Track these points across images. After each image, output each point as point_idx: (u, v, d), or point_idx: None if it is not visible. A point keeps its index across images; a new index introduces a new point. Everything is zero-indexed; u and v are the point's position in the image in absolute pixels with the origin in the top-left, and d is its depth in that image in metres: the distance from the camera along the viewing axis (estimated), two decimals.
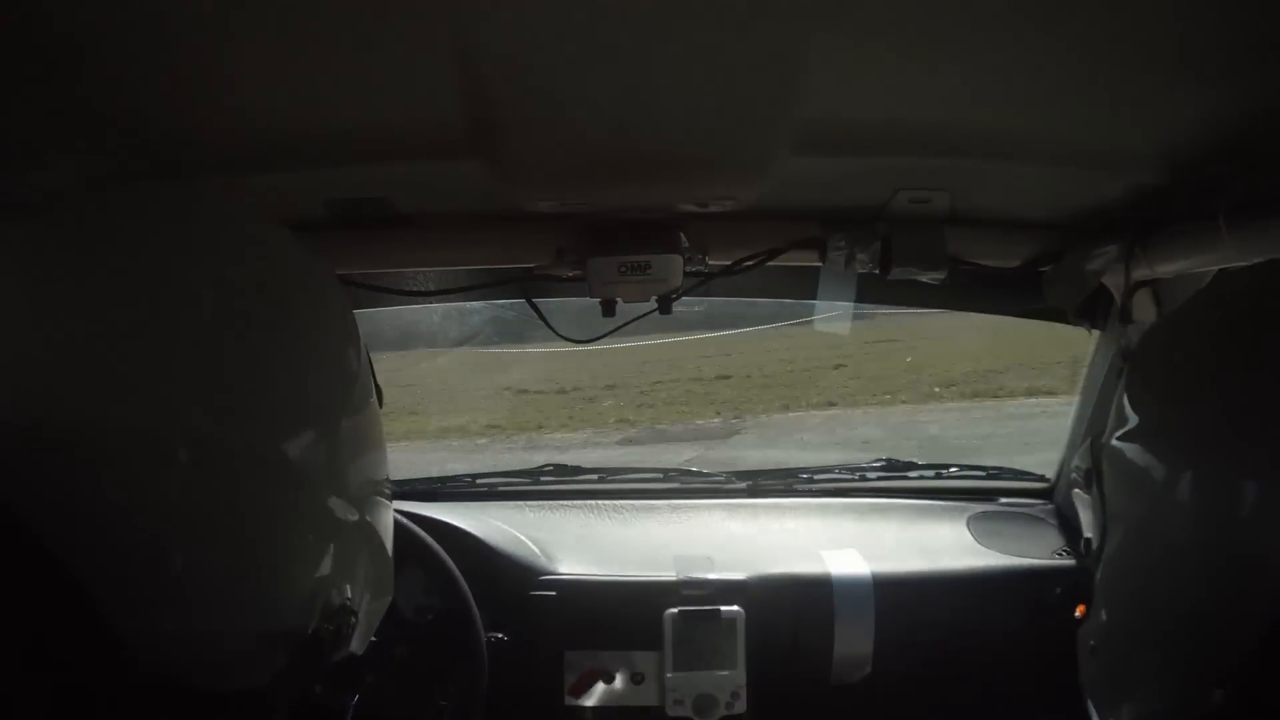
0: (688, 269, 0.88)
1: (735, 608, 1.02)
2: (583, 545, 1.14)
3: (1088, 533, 0.56)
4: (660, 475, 1.33)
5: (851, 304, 1.09)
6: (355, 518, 0.49)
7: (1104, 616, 0.53)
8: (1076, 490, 0.58)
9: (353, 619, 0.47)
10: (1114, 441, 0.51)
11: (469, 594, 0.99)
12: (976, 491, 1.32)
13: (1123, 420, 0.50)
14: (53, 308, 0.40)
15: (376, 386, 0.56)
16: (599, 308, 0.92)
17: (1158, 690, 0.48)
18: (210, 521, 0.41)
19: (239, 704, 0.44)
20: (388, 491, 0.56)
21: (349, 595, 0.47)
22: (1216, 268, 0.77)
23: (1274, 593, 0.40)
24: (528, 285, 0.96)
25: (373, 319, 1.19)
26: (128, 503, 0.39)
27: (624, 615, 1.04)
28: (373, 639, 0.92)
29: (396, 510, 1.01)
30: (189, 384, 0.40)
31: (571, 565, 1.09)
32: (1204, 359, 0.47)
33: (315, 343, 0.48)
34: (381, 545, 0.54)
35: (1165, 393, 0.49)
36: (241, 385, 0.42)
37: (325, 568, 0.46)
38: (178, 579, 0.40)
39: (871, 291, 1.05)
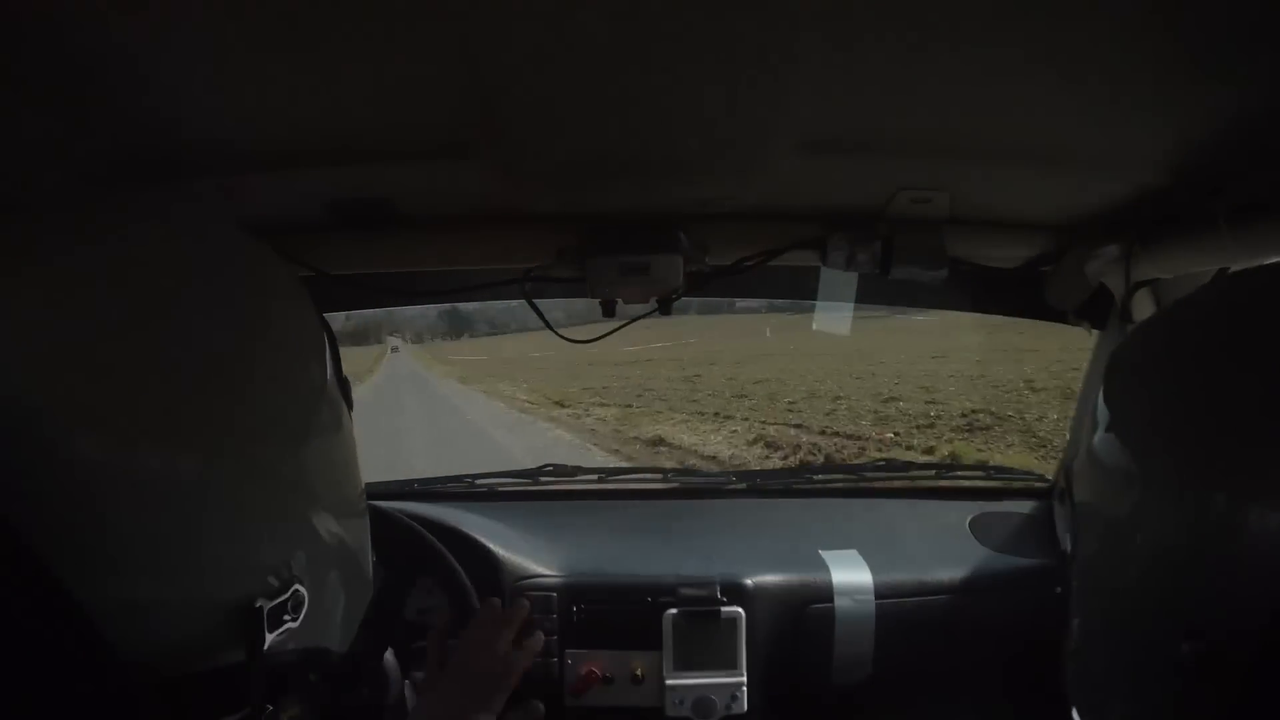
0: (688, 269, 0.88)
1: (735, 608, 1.02)
2: (582, 545, 1.14)
3: (1063, 541, 0.57)
4: (660, 475, 1.33)
5: (852, 304, 1.10)
6: (309, 505, 0.50)
7: (1079, 621, 0.53)
8: (1055, 502, 0.59)
9: (299, 590, 0.48)
10: (1092, 446, 0.51)
11: (472, 594, 0.99)
12: (977, 491, 1.32)
13: (1096, 428, 0.51)
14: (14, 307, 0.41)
15: (344, 382, 0.57)
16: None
17: (1132, 694, 0.48)
18: (153, 502, 0.42)
19: (199, 685, 0.45)
20: (352, 478, 0.57)
21: (292, 571, 0.48)
22: (1216, 268, 0.77)
23: (1241, 598, 0.40)
24: (528, 285, 0.96)
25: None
26: (78, 488, 0.41)
27: (624, 615, 1.04)
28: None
29: (396, 510, 1.02)
30: (138, 380, 0.42)
31: (571, 565, 1.09)
32: (1171, 370, 0.48)
33: (270, 340, 0.50)
34: (340, 536, 0.54)
35: (1135, 403, 0.49)
36: (193, 381, 0.44)
37: (267, 546, 0.48)
38: (117, 556, 0.42)
39: (872, 292, 1.05)
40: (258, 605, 0.46)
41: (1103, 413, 0.50)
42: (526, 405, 12.01)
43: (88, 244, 0.44)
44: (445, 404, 13.05)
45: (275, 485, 0.47)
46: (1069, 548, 0.56)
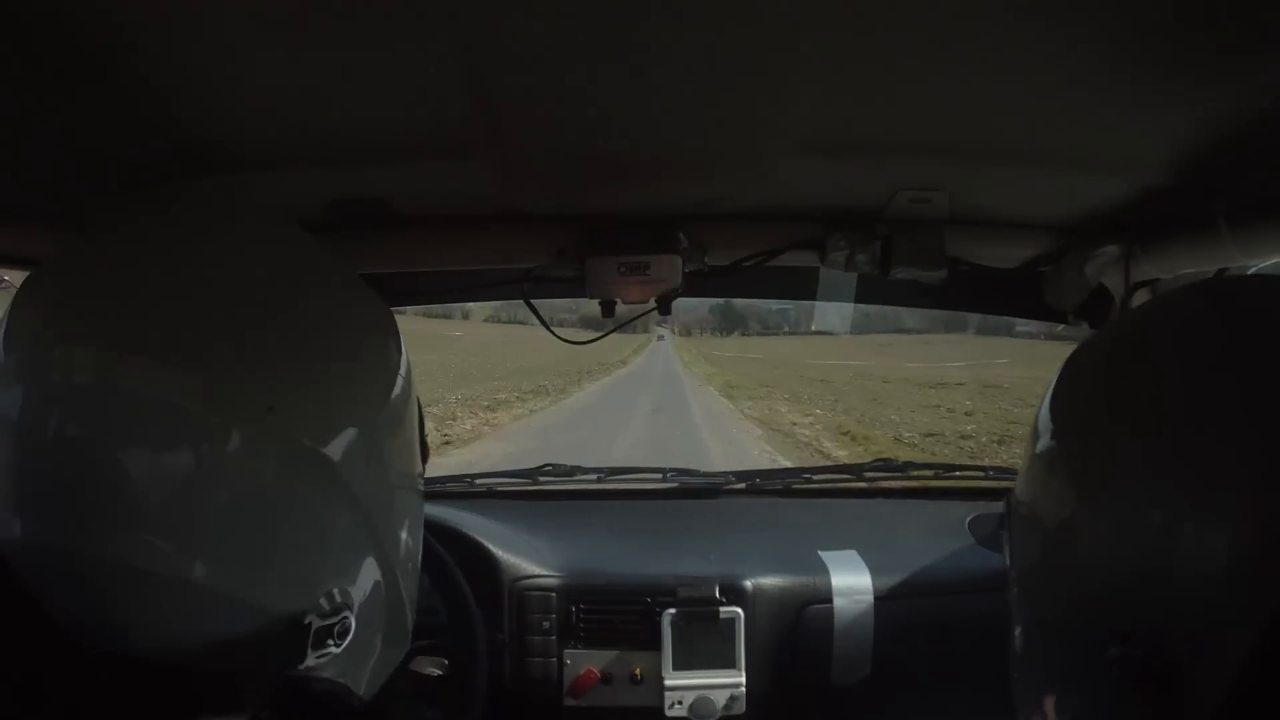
0: (687, 269, 0.88)
1: (734, 608, 1.02)
2: (581, 545, 1.14)
3: (1006, 547, 0.58)
4: (660, 475, 1.33)
5: (851, 304, 1.10)
6: (374, 545, 0.50)
7: (1019, 630, 0.54)
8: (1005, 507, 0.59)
9: (348, 618, 0.48)
10: (1034, 451, 0.52)
11: (469, 594, 0.99)
12: (976, 491, 1.32)
13: (1037, 435, 0.51)
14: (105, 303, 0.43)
15: (424, 446, 0.57)
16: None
17: (1066, 708, 0.48)
18: (218, 506, 0.43)
19: (214, 684, 0.46)
20: (414, 534, 0.56)
21: (346, 600, 0.48)
22: (1216, 268, 0.77)
23: (1169, 614, 0.40)
24: (527, 286, 0.96)
25: None
26: (139, 484, 0.41)
27: (623, 615, 1.04)
28: None
29: None
30: (216, 375, 0.43)
31: (570, 565, 1.09)
32: (1109, 380, 0.48)
33: (346, 346, 0.50)
34: (394, 584, 0.54)
35: (1072, 411, 0.50)
36: (269, 380, 0.44)
37: (327, 569, 0.48)
38: (176, 561, 0.42)
39: (871, 292, 1.05)
40: (307, 621, 0.46)
41: (1045, 418, 0.50)
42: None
43: (157, 241, 0.46)
44: (691, 438, 8.23)
45: (348, 515, 0.48)
46: (1009, 553, 0.56)
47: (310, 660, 0.47)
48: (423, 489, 0.58)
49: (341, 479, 0.46)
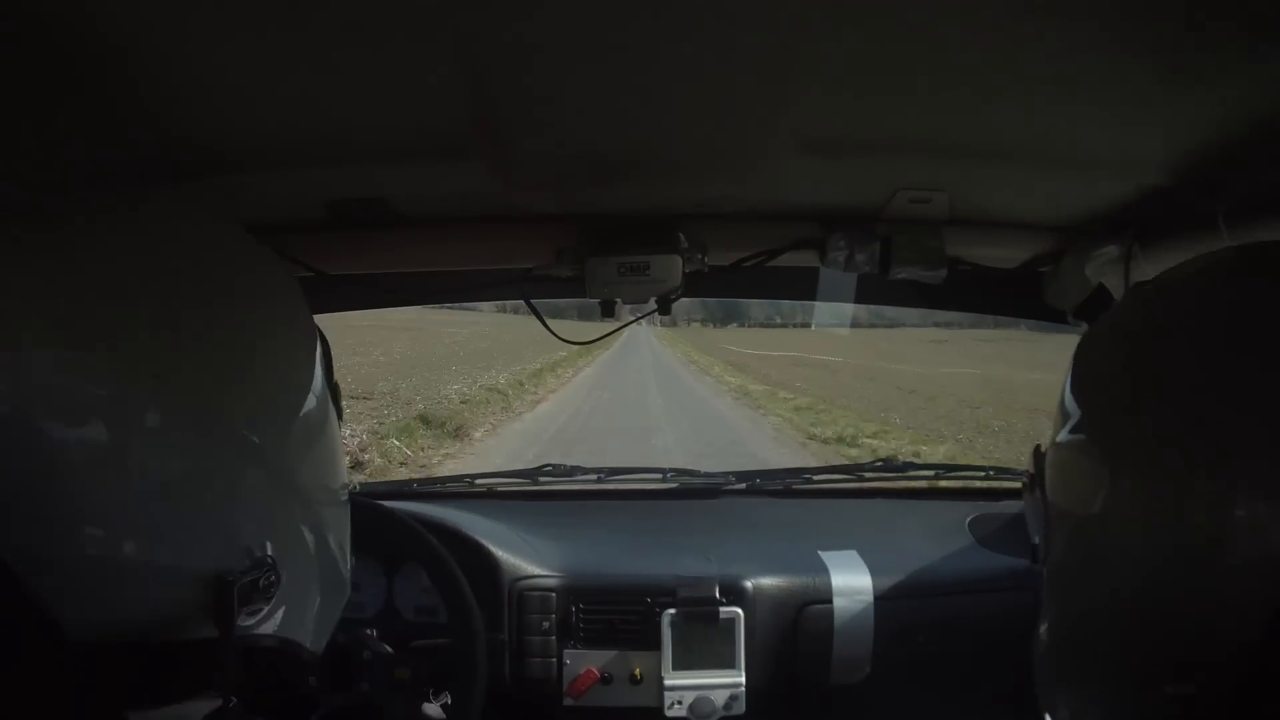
0: (687, 269, 0.88)
1: (734, 609, 1.02)
2: (581, 545, 1.14)
3: (1033, 534, 0.56)
4: (660, 475, 1.33)
5: (851, 304, 1.09)
6: (288, 495, 0.51)
7: (1049, 618, 0.53)
8: (1025, 491, 0.58)
9: (271, 575, 0.49)
10: (1056, 441, 0.51)
11: (469, 594, 0.99)
12: (976, 491, 1.32)
13: (1063, 421, 0.50)
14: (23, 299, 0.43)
15: (334, 387, 0.58)
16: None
17: (1101, 693, 0.47)
18: (131, 465, 0.43)
19: (188, 657, 0.46)
20: (334, 478, 0.57)
21: (266, 554, 0.49)
22: None
23: (1211, 594, 0.40)
24: (527, 286, 0.96)
25: None
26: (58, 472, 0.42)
27: (622, 615, 1.04)
28: (372, 632, 0.92)
29: (396, 510, 1.02)
30: (132, 361, 0.43)
31: (570, 565, 1.09)
32: (1130, 362, 0.47)
33: (261, 332, 0.51)
34: (318, 532, 0.54)
35: (1094, 395, 0.49)
36: (180, 363, 0.45)
37: (241, 524, 0.48)
38: (92, 515, 0.43)
39: (871, 292, 1.05)
40: (229, 579, 0.46)
41: (1070, 402, 0.49)
42: None
43: (93, 241, 0.45)
44: None
45: (255, 468, 0.48)
46: (1039, 541, 0.55)
47: (244, 619, 0.48)
48: (338, 439, 0.59)
49: (241, 435, 0.47)
